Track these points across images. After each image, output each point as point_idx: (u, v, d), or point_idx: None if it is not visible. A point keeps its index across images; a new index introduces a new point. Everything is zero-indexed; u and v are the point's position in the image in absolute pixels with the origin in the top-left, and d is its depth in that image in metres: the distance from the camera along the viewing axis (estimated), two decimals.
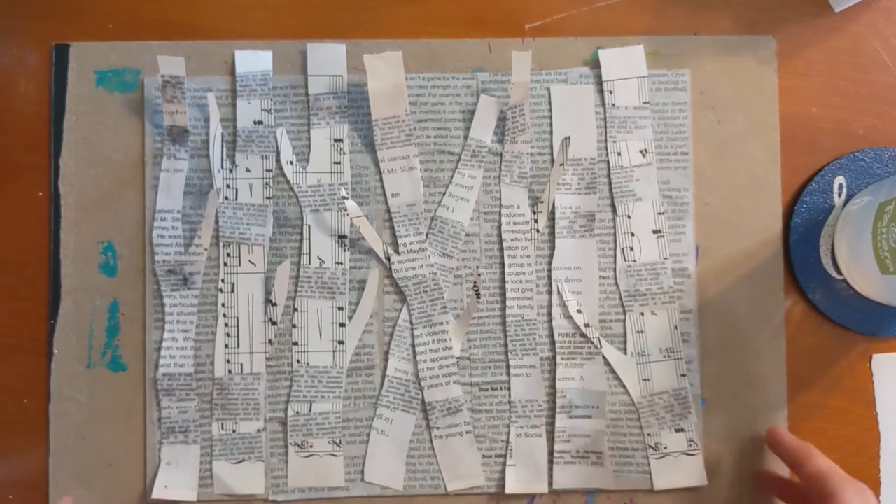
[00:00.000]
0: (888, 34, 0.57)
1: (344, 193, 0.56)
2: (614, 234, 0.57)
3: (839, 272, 0.56)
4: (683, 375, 0.57)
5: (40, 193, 0.58)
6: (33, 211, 0.58)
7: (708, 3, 0.58)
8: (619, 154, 0.57)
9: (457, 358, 0.57)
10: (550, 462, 0.56)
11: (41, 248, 0.58)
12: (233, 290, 0.57)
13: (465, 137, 0.57)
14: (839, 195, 0.57)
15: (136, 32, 0.58)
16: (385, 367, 0.57)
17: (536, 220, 0.57)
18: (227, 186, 0.57)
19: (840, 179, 0.57)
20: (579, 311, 0.57)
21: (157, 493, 0.56)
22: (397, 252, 0.57)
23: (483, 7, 0.58)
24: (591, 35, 0.58)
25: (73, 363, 0.57)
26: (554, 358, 0.57)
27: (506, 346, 0.57)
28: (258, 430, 0.56)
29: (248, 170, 0.57)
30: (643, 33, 0.58)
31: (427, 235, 0.57)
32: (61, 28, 0.58)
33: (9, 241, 0.58)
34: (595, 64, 0.57)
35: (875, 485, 0.57)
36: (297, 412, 0.56)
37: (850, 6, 0.57)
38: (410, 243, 0.57)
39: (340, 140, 0.57)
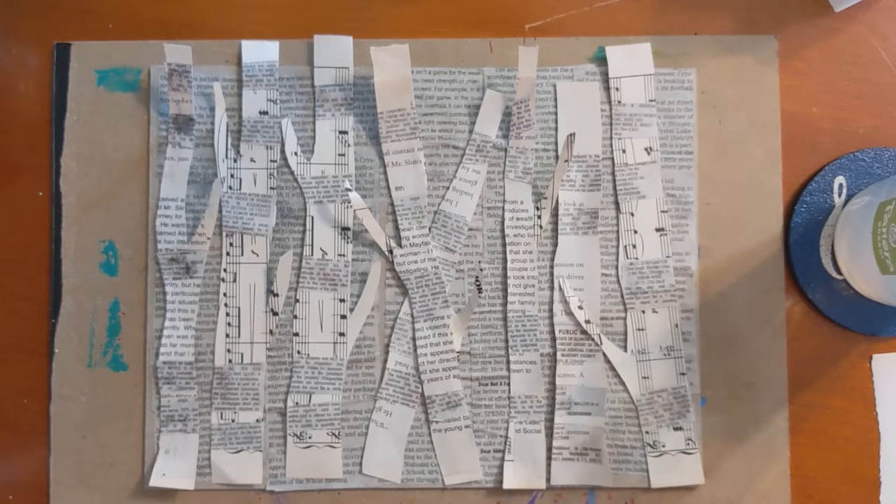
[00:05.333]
0: (888, 34, 0.58)
1: (348, 185, 0.57)
2: (617, 231, 0.58)
3: (839, 272, 0.56)
4: (683, 374, 0.57)
5: (40, 193, 0.58)
6: (33, 211, 0.58)
7: (708, 3, 0.58)
8: (623, 151, 0.58)
9: (457, 352, 0.57)
10: (549, 458, 0.56)
11: (41, 248, 0.58)
12: (235, 280, 0.57)
13: (470, 132, 0.58)
14: (839, 195, 0.57)
15: (137, 32, 0.58)
16: (385, 360, 0.57)
17: (539, 216, 0.57)
18: (232, 176, 0.57)
19: (840, 179, 0.57)
20: (580, 308, 0.57)
21: (154, 481, 0.55)
22: (400, 245, 0.57)
23: (483, 7, 0.59)
24: (592, 35, 0.58)
25: (74, 362, 0.57)
26: (554, 354, 0.57)
27: (506, 341, 0.57)
28: (257, 421, 0.56)
29: (252, 160, 0.57)
30: (644, 33, 0.58)
31: (430, 229, 0.57)
32: (62, 28, 0.59)
33: (9, 241, 0.58)
34: (600, 62, 0.58)
35: (875, 485, 0.56)
36: (297, 403, 0.56)
37: (850, 6, 0.58)
38: (413, 237, 0.57)
39: (345, 132, 0.58)
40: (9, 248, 0.58)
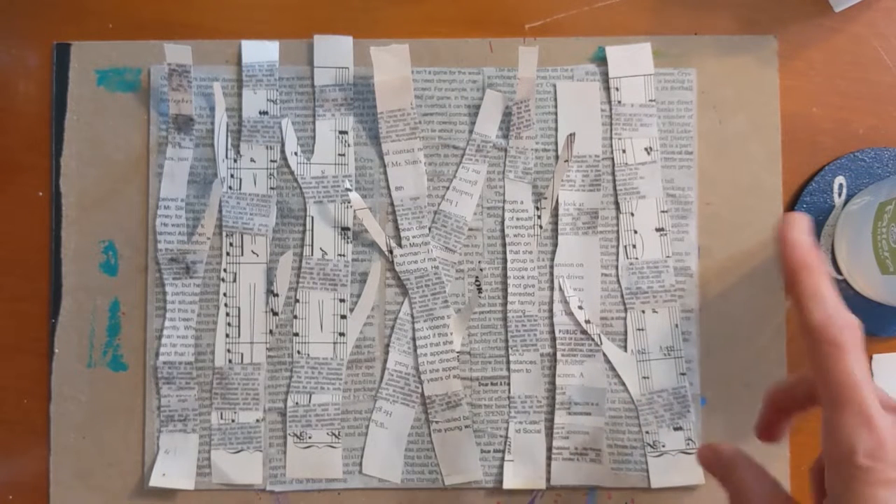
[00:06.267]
0: (888, 34, 0.58)
1: (348, 185, 0.57)
2: (617, 231, 0.58)
3: (839, 272, 0.56)
4: (683, 374, 0.57)
5: (40, 193, 0.58)
6: (33, 211, 0.58)
7: (708, 3, 0.58)
8: (623, 151, 0.58)
9: (457, 352, 0.57)
10: (549, 458, 0.56)
11: (41, 248, 0.58)
12: (235, 280, 0.57)
13: (470, 132, 0.58)
14: (839, 195, 0.57)
15: (137, 33, 0.58)
16: (385, 360, 0.57)
17: (539, 216, 0.57)
18: (232, 176, 0.57)
19: (840, 179, 0.57)
20: (580, 308, 0.57)
21: (154, 481, 0.55)
22: (400, 245, 0.57)
23: (483, 7, 0.59)
24: (592, 35, 0.58)
25: (73, 362, 0.57)
26: (554, 354, 0.57)
27: (506, 341, 0.57)
28: (257, 421, 0.56)
29: (252, 160, 0.57)
30: (644, 33, 0.58)
31: (430, 229, 0.57)
32: (62, 28, 0.58)
33: (9, 241, 0.58)
34: (600, 62, 0.58)
35: None
36: (297, 403, 0.56)
37: (850, 6, 0.58)
38: (413, 237, 0.57)
39: (345, 132, 0.58)
40: (9, 248, 0.58)
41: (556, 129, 0.58)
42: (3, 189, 0.58)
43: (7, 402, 0.57)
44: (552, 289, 0.57)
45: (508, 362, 0.57)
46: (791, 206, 0.57)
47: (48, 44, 0.58)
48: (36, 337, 0.57)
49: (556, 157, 0.58)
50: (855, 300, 0.56)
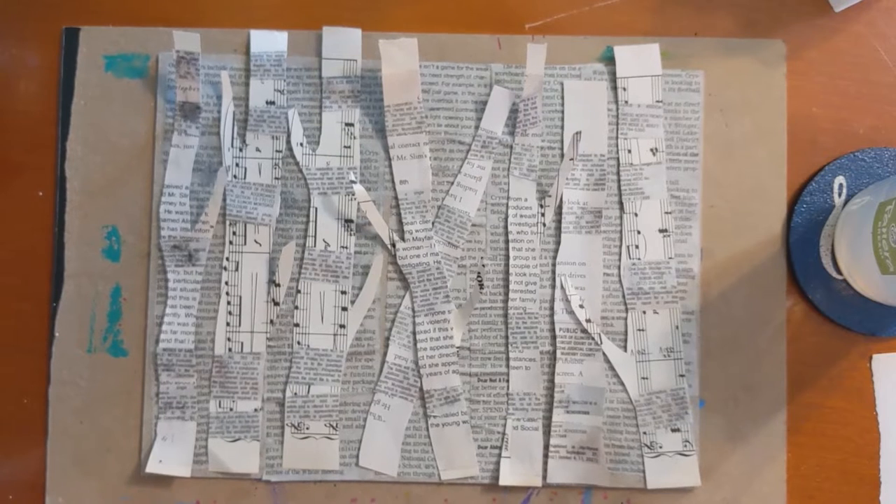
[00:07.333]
0: (888, 34, 0.59)
1: (352, 178, 0.57)
2: (620, 231, 0.58)
3: (839, 272, 0.57)
4: (682, 376, 0.57)
5: (41, 193, 0.58)
6: (34, 210, 0.58)
7: (708, 4, 0.59)
8: (629, 151, 0.58)
9: (457, 347, 0.57)
10: (545, 456, 0.56)
11: (42, 247, 0.58)
12: (237, 269, 0.57)
13: (476, 128, 0.58)
14: (839, 195, 0.57)
15: (146, 19, 0.59)
16: (385, 353, 0.57)
17: (543, 214, 0.58)
18: (237, 165, 0.57)
19: (840, 179, 0.57)
20: (581, 307, 0.57)
21: (151, 467, 0.55)
22: (403, 239, 0.57)
23: (483, 6, 0.59)
24: (591, 35, 0.59)
25: (73, 347, 0.57)
26: (554, 352, 0.57)
27: (506, 338, 0.57)
28: (255, 410, 0.56)
29: (258, 149, 0.57)
30: (644, 34, 0.59)
31: (433, 224, 0.58)
32: (71, 13, 0.59)
33: (9, 240, 0.58)
34: (608, 61, 0.59)
35: (875, 485, 0.56)
36: (295, 394, 0.56)
37: (850, 6, 0.58)
38: (416, 231, 0.57)
39: (352, 124, 0.58)
40: (9, 248, 0.58)
41: (563, 128, 0.58)
42: (12, 173, 0.58)
43: (6, 387, 0.57)
44: (553, 287, 0.57)
45: (508, 359, 0.57)
46: (791, 206, 0.58)
47: (57, 28, 0.58)
48: (36, 336, 0.57)
49: (562, 156, 0.58)
50: (855, 300, 0.56)
